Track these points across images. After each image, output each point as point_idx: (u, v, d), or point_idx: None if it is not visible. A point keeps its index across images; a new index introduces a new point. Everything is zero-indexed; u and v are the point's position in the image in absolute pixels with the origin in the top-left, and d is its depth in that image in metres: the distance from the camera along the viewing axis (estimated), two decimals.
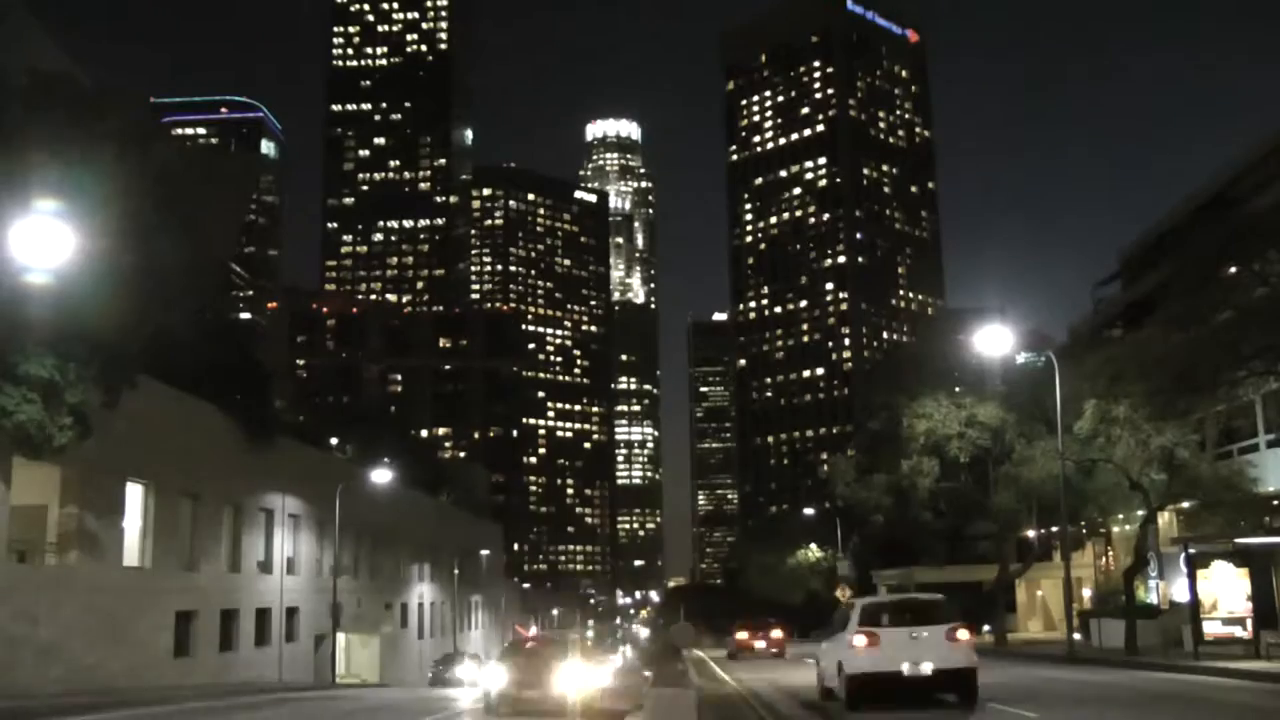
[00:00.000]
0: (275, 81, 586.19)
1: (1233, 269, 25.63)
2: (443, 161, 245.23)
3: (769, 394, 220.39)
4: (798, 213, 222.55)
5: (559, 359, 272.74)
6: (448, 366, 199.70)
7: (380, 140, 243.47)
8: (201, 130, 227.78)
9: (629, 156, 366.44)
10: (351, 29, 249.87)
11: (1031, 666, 29.31)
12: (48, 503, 26.76)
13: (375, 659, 52.77)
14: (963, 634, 17.49)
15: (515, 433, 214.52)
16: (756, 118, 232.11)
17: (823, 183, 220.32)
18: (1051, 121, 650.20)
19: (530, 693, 20.87)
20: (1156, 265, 45.45)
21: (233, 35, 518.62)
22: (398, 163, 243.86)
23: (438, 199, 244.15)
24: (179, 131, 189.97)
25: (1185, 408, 29.41)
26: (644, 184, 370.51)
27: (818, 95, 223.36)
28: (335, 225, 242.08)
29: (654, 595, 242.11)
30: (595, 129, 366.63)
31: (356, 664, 51.94)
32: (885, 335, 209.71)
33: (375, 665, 52.49)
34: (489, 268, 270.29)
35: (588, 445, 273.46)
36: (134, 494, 30.03)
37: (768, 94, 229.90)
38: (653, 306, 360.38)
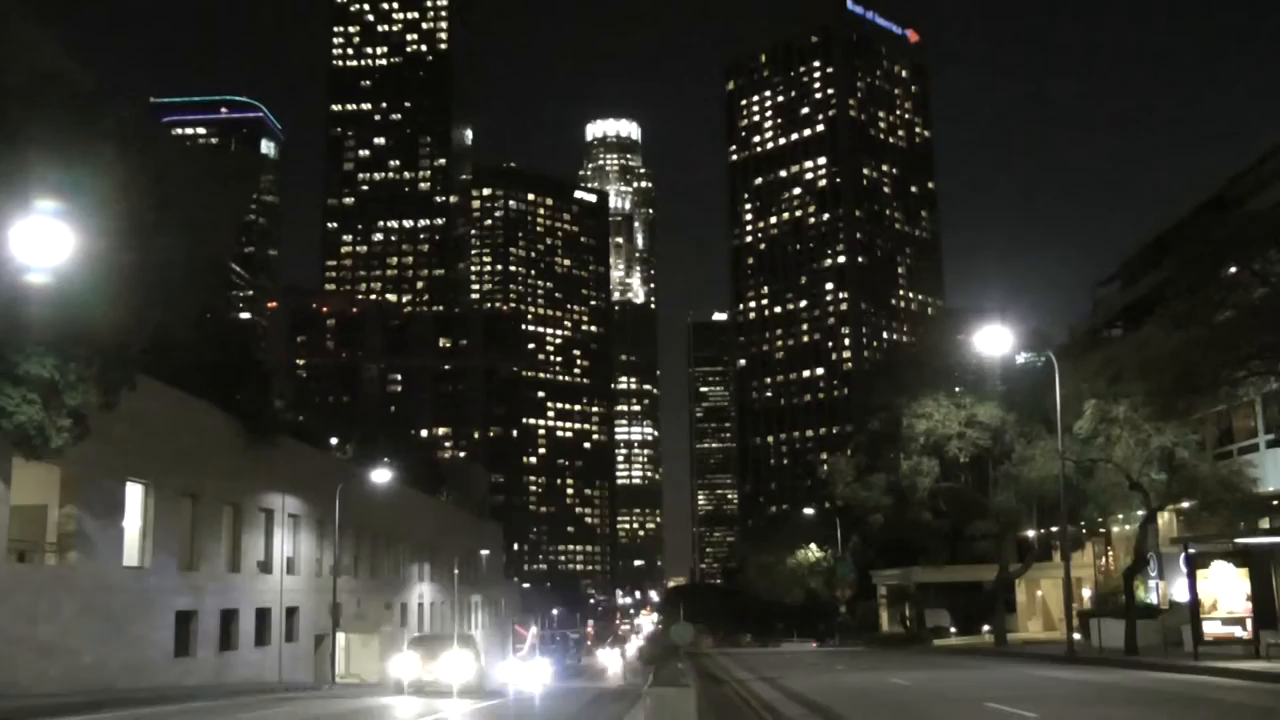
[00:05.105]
0: (275, 81, 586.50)
1: (1233, 269, 25.59)
2: (443, 161, 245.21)
3: (769, 394, 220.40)
4: (798, 213, 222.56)
5: (559, 359, 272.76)
6: (448, 366, 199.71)
7: (380, 140, 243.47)
8: (201, 130, 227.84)
9: (629, 156, 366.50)
10: (351, 29, 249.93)
11: (1031, 666, 29.32)
12: (48, 503, 26.70)
13: (375, 659, 52.76)
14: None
15: (515, 433, 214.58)
16: (756, 118, 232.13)
17: (823, 183, 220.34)
18: (1051, 121, 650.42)
19: None
20: (1156, 265, 45.38)
21: (233, 35, 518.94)
22: (398, 163, 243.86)
23: (438, 199, 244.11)
24: (179, 131, 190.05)
25: (1185, 408, 29.35)
26: (644, 184, 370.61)
27: (818, 95, 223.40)
28: (335, 225, 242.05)
29: (654, 595, 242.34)
30: (595, 129, 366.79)
31: (356, 664, 51.92)
32: (885, 335, 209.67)
33: (375, 665, 52.49)
34: (489, 268, 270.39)
35: (588, 445, 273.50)
36: (134, 494, 29.99)
37: (768, 94, 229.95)
38: (653, 306, 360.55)
